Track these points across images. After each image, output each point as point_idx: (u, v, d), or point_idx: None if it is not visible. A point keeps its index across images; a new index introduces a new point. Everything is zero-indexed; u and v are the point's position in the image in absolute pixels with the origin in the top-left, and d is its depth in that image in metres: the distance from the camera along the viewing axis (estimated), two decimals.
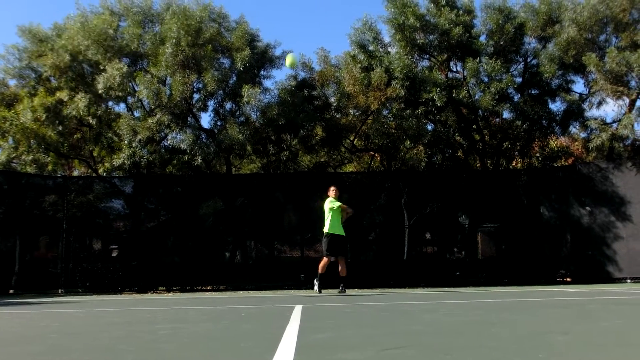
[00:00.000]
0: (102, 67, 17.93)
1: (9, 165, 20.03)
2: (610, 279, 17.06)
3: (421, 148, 18.67)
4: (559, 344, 3.35)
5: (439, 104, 17.74)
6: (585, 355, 2.98)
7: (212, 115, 19.98)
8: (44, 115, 17.84)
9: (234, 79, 18.43)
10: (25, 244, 18.39)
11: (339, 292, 11.77)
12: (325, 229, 11.97)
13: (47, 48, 18.78)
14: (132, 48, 18.51)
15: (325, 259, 11.84)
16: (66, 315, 7.19)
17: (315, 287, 11.82)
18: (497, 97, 17.81)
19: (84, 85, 18.19)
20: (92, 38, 17.82)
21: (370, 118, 19.10)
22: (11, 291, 17.03)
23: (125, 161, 17.54)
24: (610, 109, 49.16)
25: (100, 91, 17.49)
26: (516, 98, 19.64)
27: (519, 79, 19.67)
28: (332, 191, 12.23)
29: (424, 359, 2.94)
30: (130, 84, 18.37)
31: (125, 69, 17.40)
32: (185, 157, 18.26)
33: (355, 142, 20.37)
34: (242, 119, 18.81)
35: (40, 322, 6.16)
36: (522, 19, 19.00)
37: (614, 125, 18.52)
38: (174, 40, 17.22)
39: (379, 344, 3.49)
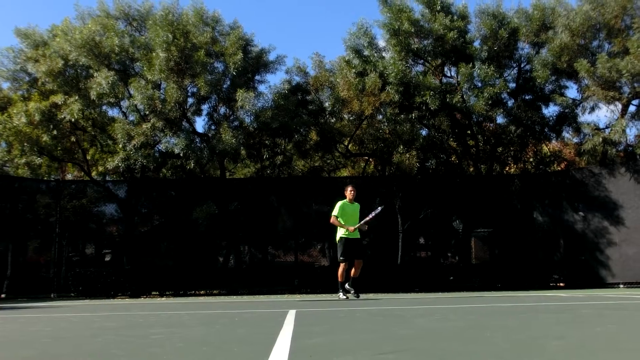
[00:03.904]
0: (93, 72, 17.89)
1: (1, 169, 19.94)
2: (603, 284, 17.10)
3: (414, 153, 18.70)
4: (553, 349, 3.35)
5: (432, 109, 17.80)
6: None
7: (206, 119, 20.01)
8: (39, 119, 17.76)
9: (228, 83, 18.42)
10: (18, 248, 18.34)
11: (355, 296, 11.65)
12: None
13: (41, 54, 18.70)
14: (124, 54, 18.46)
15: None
16: (58, 319, 7.16)
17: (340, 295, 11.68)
18: (490, 102, 17.88)
19: (78, 90, 18.12)
20: (79, 46, 17.77)
21: (364, 123, 19.14)
22: (3, 295, 16.98)
23: (120, 164, 17.47)
24: (603, 114, 49.49)
25: (92, 97, 17.44)
26: (510, 103, 19.72)
27: (512, 85, 19.76)
28: (347, 192, 11.89)
29: None
30: (125, 88, 18.35)
31: (112, 77, 17.28)
32: (179, 161, 18.21)
33: (349, 146, 20.39)
34: (236, 123, 18.80)
35: (32, 326, 6.13)
36: (515, 24, 19.07)
37: (607, 130, 18.57)
38: (164, 46, 17.17)
39: (372, 349, 3.48)
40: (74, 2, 25.26)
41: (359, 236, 11.82)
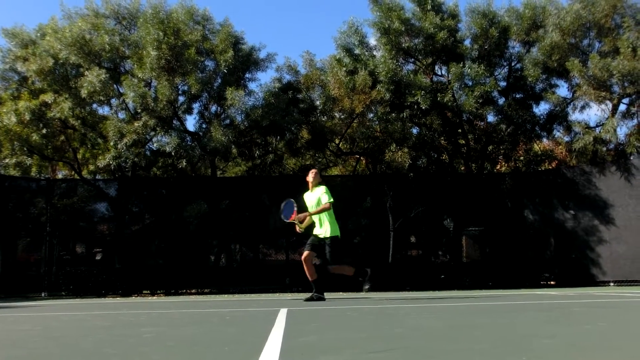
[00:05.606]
0: (83, 71, 17.82)
1: None
2: (593, 282, 17.15)
3: (406, 151, 18.70)
4: (544, 347, 3.36)
5: (423, 108, 17.81)
6: (569, 359, 2.98)
7: (197, 117, 19.99)
8: (29, 118, 17.67)
9: (219, 81, 18.39)
10: (8, 247, 18.25)
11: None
12: (334, 231, 9.79)
13: (30, 52, 18.60)
14: (114, 52, 18.39)
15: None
16: (49, 318, 7.13)
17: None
18: (481, 100, 17.89)
19: (68, 88, 18.05)
20: (69, 44, 17.70)
21: (355, 121, 19.13)
22: None
23: (111, 162, 17.41)
24: (594, 113, 49.72)
25: (83, 95, 17.36)
26: (500, 102, 19.75)
27: (503, 83, 19.77)
28: (311, 174, 10.09)
29: None
30: (114, 86, 18.28)
31: (104, 75, 17.20)
32: (170, 160, 18.15)
33: (340, 145, 20.37)
34: (227, 121, 18.76)
35: (22, 325, 6.10)
36: (506, 23, 19.09)
37: (597, 129, 18.62)
38: (155, 44, 17.12)
39: (363, 347, 3.49)
40: (59, 2, 25.28)
41: (321, 235, 9.99)
